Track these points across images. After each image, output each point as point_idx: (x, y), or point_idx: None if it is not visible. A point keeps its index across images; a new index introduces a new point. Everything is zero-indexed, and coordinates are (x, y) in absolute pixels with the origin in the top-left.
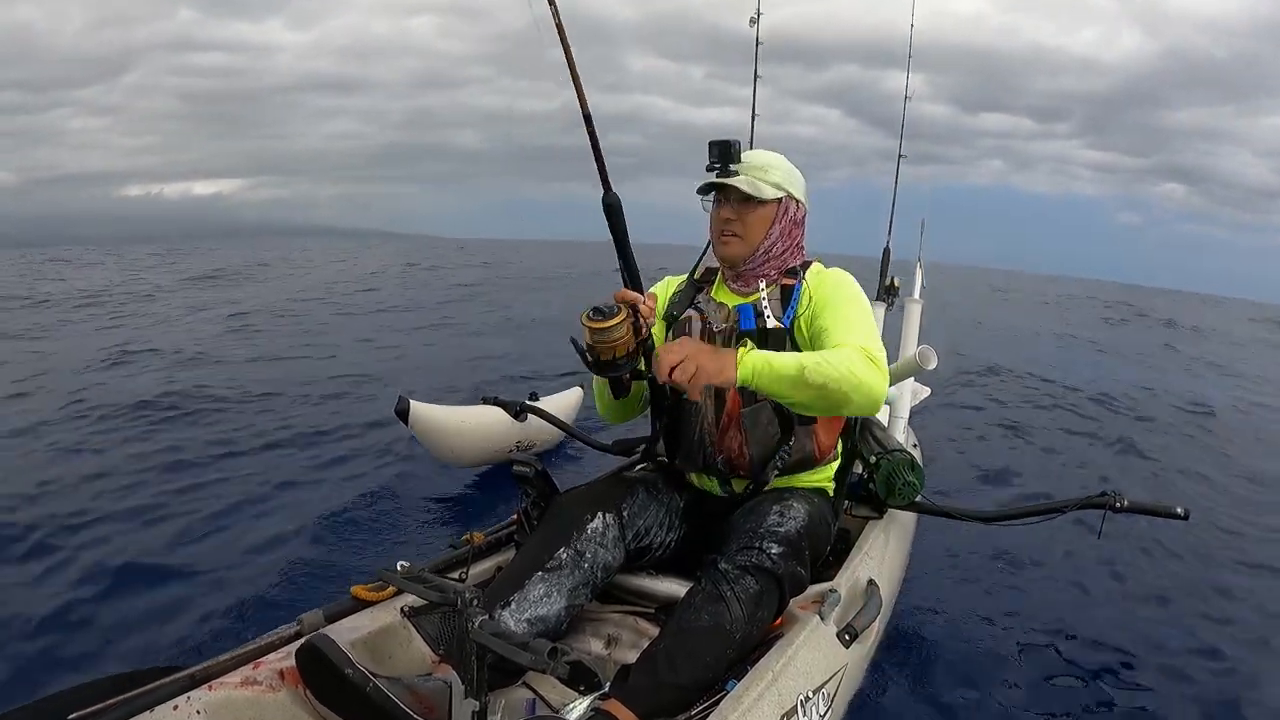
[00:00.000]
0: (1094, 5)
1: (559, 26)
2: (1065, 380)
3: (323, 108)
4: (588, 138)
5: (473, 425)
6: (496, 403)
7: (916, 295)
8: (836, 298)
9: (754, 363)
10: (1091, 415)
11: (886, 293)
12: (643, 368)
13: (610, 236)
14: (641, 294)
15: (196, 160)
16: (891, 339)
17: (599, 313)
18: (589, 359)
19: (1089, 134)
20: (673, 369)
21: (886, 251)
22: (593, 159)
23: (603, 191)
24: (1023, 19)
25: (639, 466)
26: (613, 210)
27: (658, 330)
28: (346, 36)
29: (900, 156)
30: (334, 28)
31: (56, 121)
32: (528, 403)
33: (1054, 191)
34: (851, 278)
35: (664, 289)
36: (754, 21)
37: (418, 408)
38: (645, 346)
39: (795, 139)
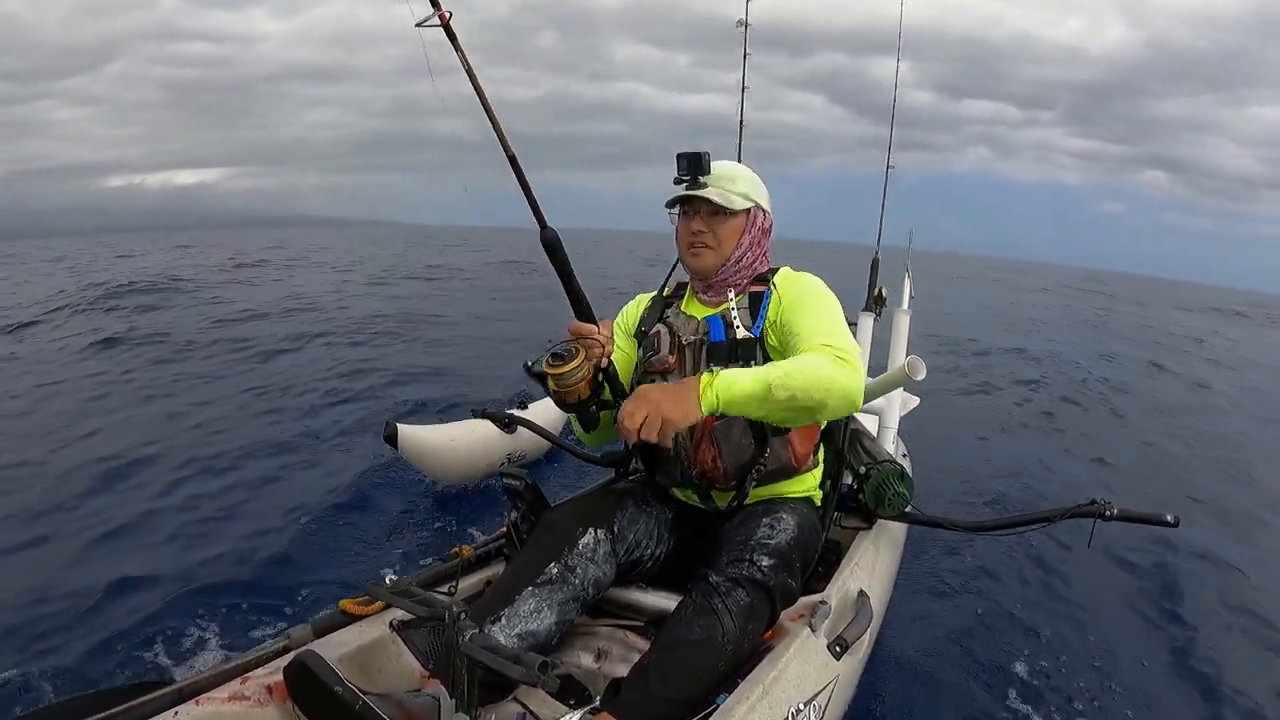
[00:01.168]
0: None
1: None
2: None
3: (307, 96)
4: (515, 179)
5: (463, 442)
6: (485, 415)
7: (905, 305)
8: (803, 300)
9: (717, 391)
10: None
11: (875, 303)
12: (607, 395)
13: (554, 270)
14: (594, 322)
15: (179, 150)
16: (880, 350)
17: (558, 358)
18: (555, 399)
19: (1073, 122)
20: (639, 429)
21: (875, 261)
22: (525, 198)
23: (539, 229)
24: (1008, 8)
25: (628, 478)
26: (552, 246)
27: (629, 349)
28: (331, 24)
29: (889, 168)
30: (318, 16)
31: (41, 113)
32: (516, 414)
33: (1038, 179)
34: (819, 280)
35: (635, 307)
36: (741, 24)
37: (405, 431)
38: (607, 375)
39: (781, 126)
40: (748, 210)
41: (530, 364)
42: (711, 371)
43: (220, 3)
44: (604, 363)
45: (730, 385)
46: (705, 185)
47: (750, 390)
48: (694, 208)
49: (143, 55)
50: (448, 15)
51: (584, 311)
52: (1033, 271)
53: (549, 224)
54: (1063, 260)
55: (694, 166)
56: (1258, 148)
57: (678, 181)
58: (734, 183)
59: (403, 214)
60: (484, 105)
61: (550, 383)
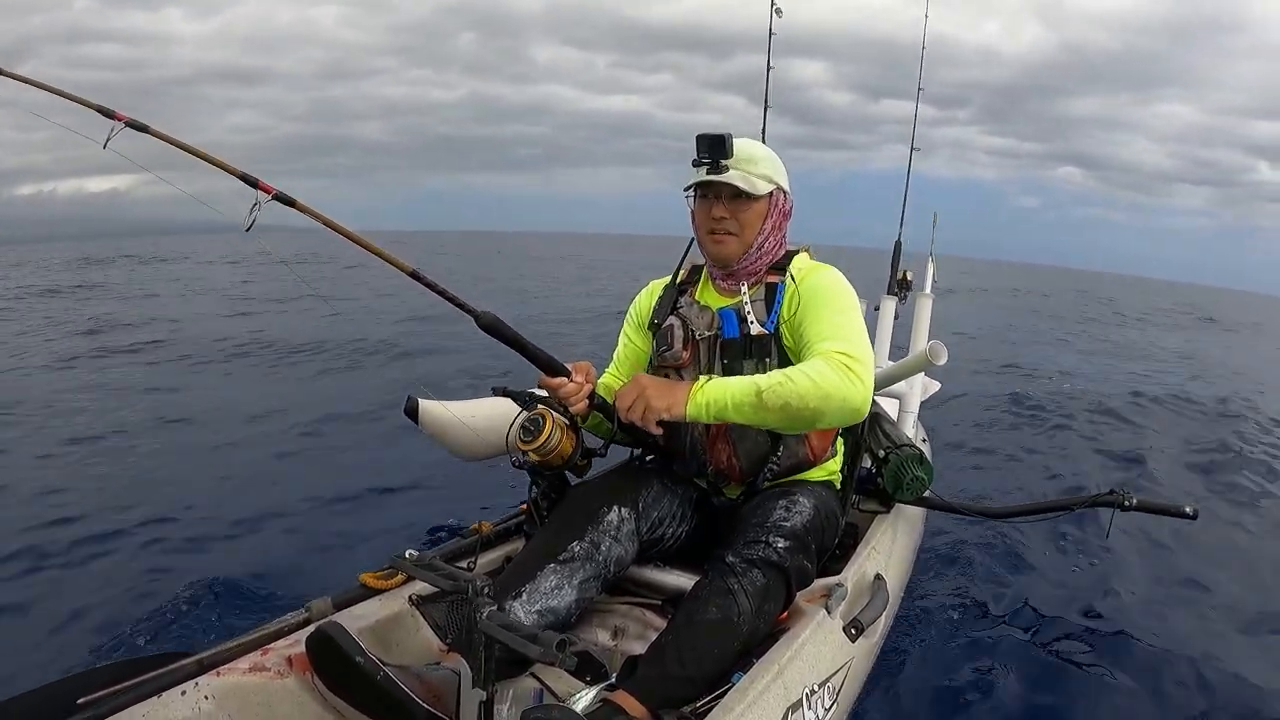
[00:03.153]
0: (998, 1)
1: None
2: None
3: (224, 99)
4: (430, 289)
5: (484, 419)
6: (506, 393)
7: (928, 290)
8: (817, 299)
9: (707, 396)
10: None
11: (899, 286)
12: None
13: (507, 348)
14: (563, 374)
15: (90, 156)
16: (903, 333)
17: (528, 431)
18: (539, 469)
19: (988, 121)
20: (627, 409)
21: (898, 245)
22: (445, 299)
23: (474, 319)
24: (927, 10)
25: (651, 456)
26: (494, 327)
27: (642, 342)
28: (248, 26)
29: (913, 149)
30: (236, 17)
31: None
32: (536, 392)
33: (954, 175)
34: (838, 275)
35: (647, 297)
36: (777, 11)
37: (427, 406)
38: (597, 405)
39: (703, 126)
40: (769, 193)
41: (508, 445)
42: (707, 377)
43: (135, 3)
44: (594, 400)
45: (723, 391)
46: (727, 169)
47: (739, 399)
48: (714, 192)
49: (55, 57)
50: (274, 190)
51: (548, 366)
52: (956, 266)
53: (480, 309)
54: (981, 255)
55: (716, 149)
56: (1167, 144)
57: (697, 164)
58: (756, 164)
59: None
60: (366, 245)
61: (531, 457)
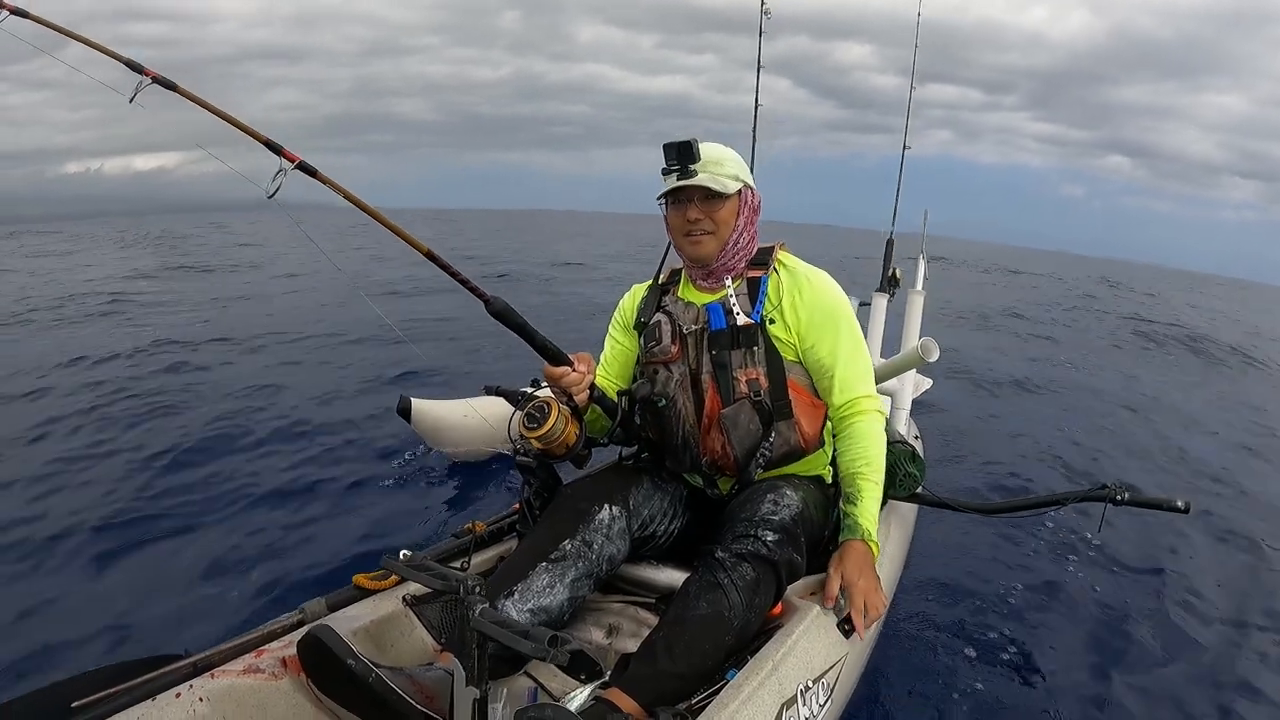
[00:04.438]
0: None
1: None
2: None
3: (267, 77)
4: (443, 271)
5: (476, 417)
6: (499, 392)
7: (919, 287)
8: (831, 320)
9: (870, 537)
10: None
11: (889, 284)
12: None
13: (513, 334)
14: (566, 364)
15: (137, 134)
16: (893, 330)
17: (533, 419)
18: (541, 457)
19: (1036, 107)
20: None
21: (890, 242)
22: (457, 281)
23: (485, 305)
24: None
25: (643, 455)
26: (504, 314)
27: (629, 342)
28: (291, 3)
29: (905, 148)
30: None
31: None
32: (529, 390)
33: (1000, 162)
34: (834, 287)
35: (631, 299)
36: (766, 12)
37: (419, 405)
38: (595, 397)
39: (743, 108)
40: (739, 191)
41: (510, 435)
42: (867, 538)
43: None
44: (594, 391)
45: (872, 523)
46: (696, 173)
47: (877, 509)
48: (686, 196)
49: (101, 36)
50: (298, 158)
51: (553, 356)
52: (997, 255)
53: (491, 294)
54: (1029, 244)
55: (684, 156)
56: (1217, 134)
57: (666, 172)
58: (722, 165)
59: (364, 196)
60: (383, 222)
61: (534, 445)
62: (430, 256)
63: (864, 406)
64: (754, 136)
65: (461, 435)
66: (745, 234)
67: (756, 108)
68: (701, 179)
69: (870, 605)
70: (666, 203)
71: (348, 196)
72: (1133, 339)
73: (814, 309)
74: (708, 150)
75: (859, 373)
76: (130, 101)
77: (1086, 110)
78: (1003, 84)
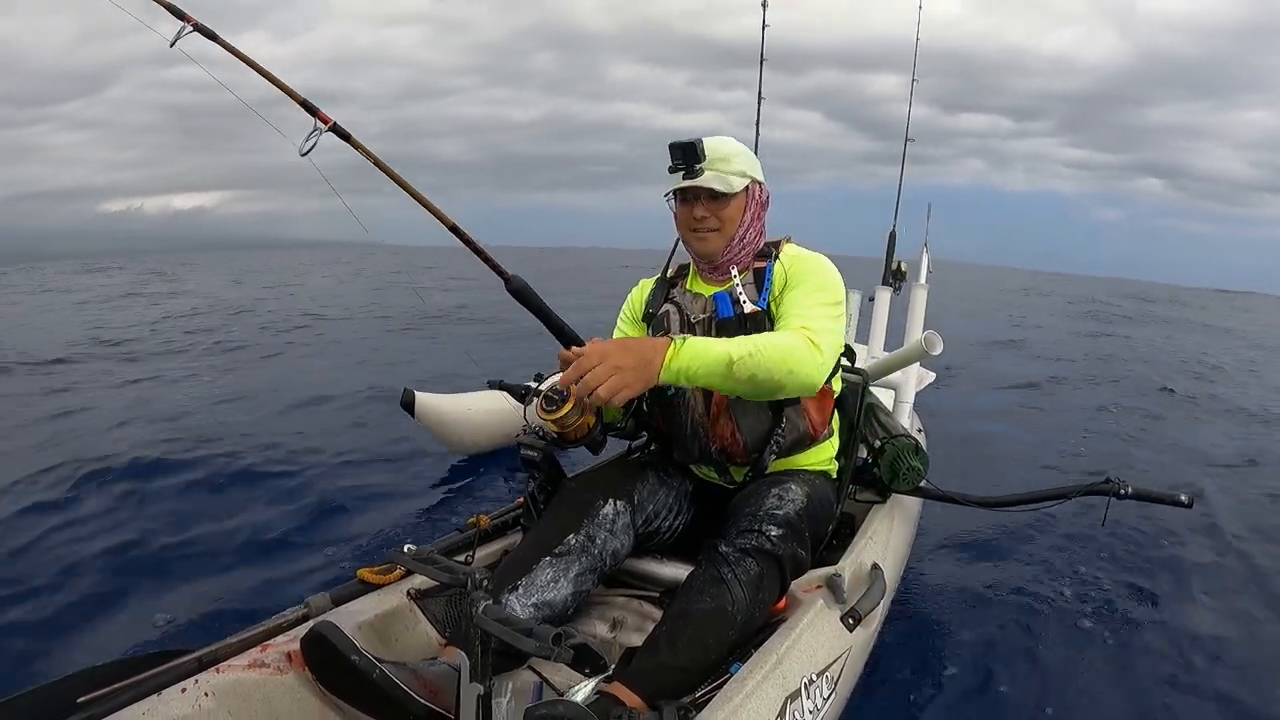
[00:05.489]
0: (1069, 8)
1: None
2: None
3: (303, 121)
4: (467, 246)
5: (479, 412)
6: (502, 387)
7: (923, 280)
8: (801, 282)
9: (685, 360)
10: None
11: (894, 277)
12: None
13: (531, 314)
14: (581, 345)
15: (177, 174)
16: (897, 324)
17: (551, 402)
18: (557, 441)
19: (1066, 132)
20: (592, 389)
21: (892, 236)
22: (480, 258)
23: (504, 283)
24: (999, 21)
25: (649, 447)
26: (522, 293)
27: (637, 333)
28: (329, 48)
29: (908, 140)
30: (316, 40)
31: (37, 137)
32: (532, 385)
33: (1032, 189)
34: (827, 264)
35: (639, 293)
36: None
37: (423, 399)
38: None
39: (776, 144)
40: (746, 187)
41: (526, 420)
42: (682, 338)
43: (220, 28)
44: None
45: (697, 356)
46: (702, 172)
47: (713, 366)
48: (693, 194)
49: (141, 80)
50: (331, 120)
51: (569, 338)
52: (1025, 281)
53: (512, 273)
54: (1064, 269)
55: (688, 156)
56: (1249, 151)
57: (673, 170)
58: (729, 162)
59: (402, 236)
60: (411, 192)
61: (551, 428)
62: (455, 230)
63: (794, 326)
64: (757, 130)
65: (465, 429)
66: (752, 229)
67: (760, 102)
68: (707, 178)
69: (606, 386)
70: (675, 198)
71: (378, 163)
72: None
73: (791, 277)
74: (715, 146)
75: (807, 310)
76: (171, 46)
77: (1117, 133)
78: (1031, 110)
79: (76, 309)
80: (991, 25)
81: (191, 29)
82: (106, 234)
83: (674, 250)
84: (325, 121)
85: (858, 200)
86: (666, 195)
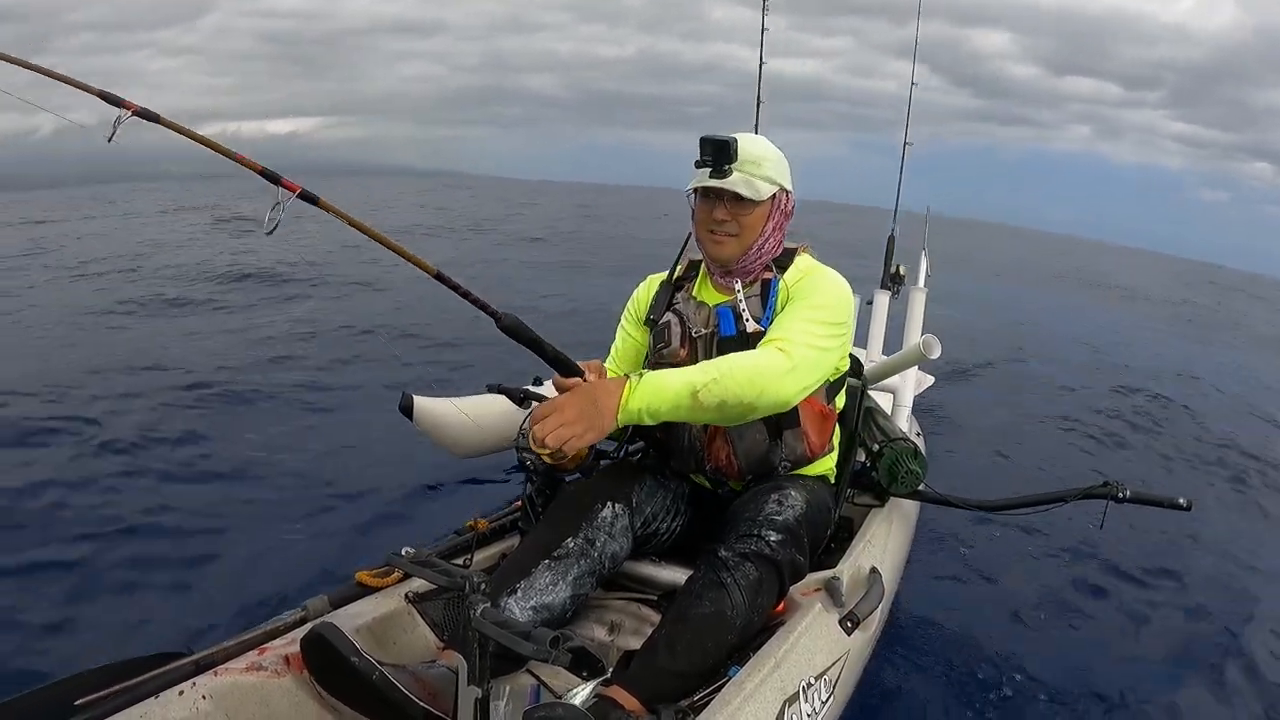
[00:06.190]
0: None
1: None
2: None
3: (398, 50)
4: (453, 290)
5: (479, 416)
6: (500, 390)
7: (921, 283)
8: (801, 298)
9: (641, 402)
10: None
11: (892, 280)
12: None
13: (525, 348)
14: (578, 374)
15: (273, 100)
16: (895, 327)
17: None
18: (551, 469)
19: (1178, 105)
20: (543, 440)
21: (891, 239)
22: (467, 300)
23: (495, 321)
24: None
25: (648, 452)
26: (514, 329)
27: (640, 336)
28: None
29: (906, 144)
30: None
31: (137, 62)
32: (531, 389)
33: (1138, 161)
34: (835, 281)
35: (645, 291)
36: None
37: (422, 403)
38: None
39: (880, 93)
40: (773, 195)
41: (519, 447)
42: (639, 375)
43: None
44: None
45: (654, 396)
46: (731, 173)
47: (676, 401)
48: (717, 194)
49: (238, 8)
50: (298, 188)
51: (565, 367)
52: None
53: (502, 310)
54: (1171, 250)
55: (720, 154)
56: None
57: (699, 165)
58: (760, 166)
59: (489, 166)
60: (389, 245)
61: (545, 459)
62: (439, 277)
63: (773, 341)
64: (757, 108)
65: (464, 433)
66: (772, 239)
67: (758, 103)
68: (735, 180)
69: (554, 436)
70: (695, 194)
71: (352, 223)
72: None
73: (795, 291)
74: (748, 147)
75: (793, 325)
76: (109, 140)
77: (1230, 111)
78: (1144, 79)
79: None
80: None
81: (132, 115)
82: (202, 156)
83: (685, 246)
84: (291, 189)
85: (957, 156)
86: (688, 191)
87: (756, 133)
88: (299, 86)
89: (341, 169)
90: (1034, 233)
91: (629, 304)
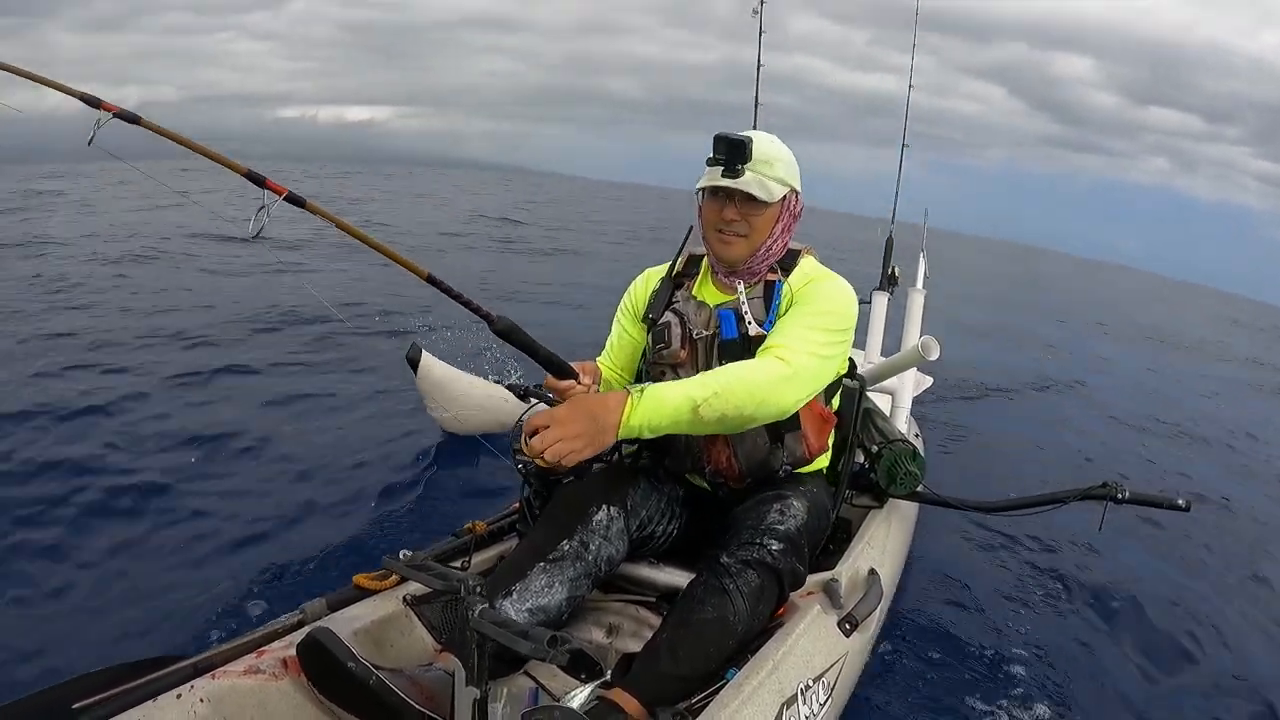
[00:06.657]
0: (1275, 7)
1: None
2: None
3: (480, 44)
4: (450, 298)
5: (479, 394)
6: (511, 388)
7: (919, 285)
8: (804, 303)
9: (642, 419)
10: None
11: (888, 282)
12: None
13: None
14: (571, 377)
15: (351, 87)
16: (894, 329)
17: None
18: (544, 475)
19: (1260, 142)
20: (541, 454)
21: (889, 240)
22: (460, 304)
23: (489, 324)
24: (1200, 13)
25: (643, 454)
26: (508, 333)
27: (636, 333)
28: None
29: (904, 145)
30: None
31: (221, 44)
32: (532, 389)
33: (1215, 198)
34: (840, 287)
35: (644, 286)
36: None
37: (429, 360)
38: None
39: (955, 114)
40: (783, 197)
41: (514, 451)
42: (639, 390)
43: None
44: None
45: (654, 413)
46: (744, 173)
47: (676, 414)
48: (727, 193)
49: None
50: (284, 190)
51: (558, 369)
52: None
53: (497, 314)
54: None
55: (734, 153)
56: None
57: (712, 164)
58: (772, 167)
59: (561, 165)
60: (383, 250)
61: (540, 462)
62: (431, 280)
63: (772, 350)
64: (755, 108)
65: (459, 403)
66: (779, 241)
67: (756, 103)
68: (747, 180)
69: (553, 451)
70: (704, 192)
71: (341, 225)
72: None
73: (799, 296)
74: (761, 147)
75: (793, 333)
76: (89, 144)
77: None
78: (1226, 113)
79: None
80: (1192, 16)
81: (112, 116)
82: (281, 137)
83: (685, 241)
84: (278, 192)
85: (1038, 183)
86: (698, 190)
87: (755, 126)
88: (377, 76)
89: (413, 159)
90: (1114, 267)
91: (625, 298)
